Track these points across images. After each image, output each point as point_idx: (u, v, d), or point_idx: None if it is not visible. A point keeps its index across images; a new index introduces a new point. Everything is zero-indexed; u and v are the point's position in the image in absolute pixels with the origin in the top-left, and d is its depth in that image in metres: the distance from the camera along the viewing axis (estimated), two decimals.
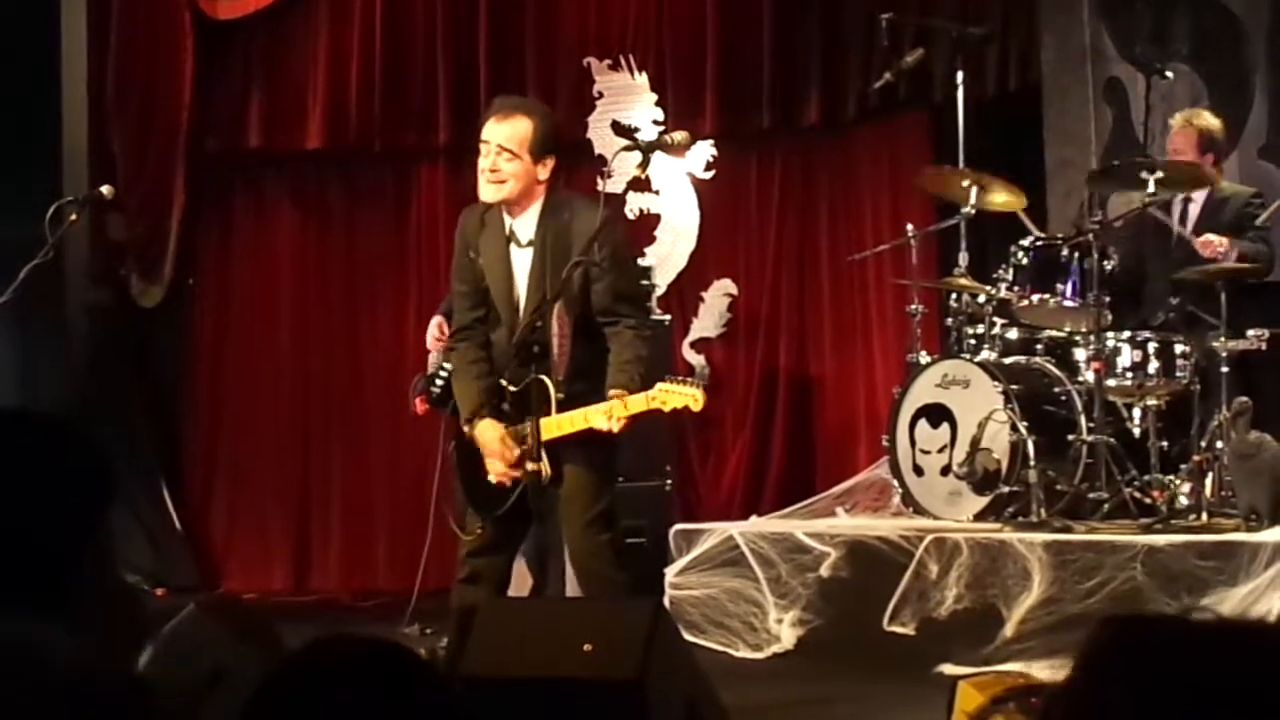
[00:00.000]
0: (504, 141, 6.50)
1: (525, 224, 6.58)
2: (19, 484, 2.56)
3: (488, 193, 6.56)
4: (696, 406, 6.40)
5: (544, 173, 6.55)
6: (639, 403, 6.33)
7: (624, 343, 6.48)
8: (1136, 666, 1.61)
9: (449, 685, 2.15)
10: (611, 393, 6.35)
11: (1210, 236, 8.35)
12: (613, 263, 6.54)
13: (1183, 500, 8.01)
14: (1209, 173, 8.50)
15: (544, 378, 6.42)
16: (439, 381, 8.57)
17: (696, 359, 10.93)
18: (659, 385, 6.35)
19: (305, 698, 2.05)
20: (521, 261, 6.59)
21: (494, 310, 6.67)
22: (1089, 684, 1.64)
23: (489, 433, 6.53)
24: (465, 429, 6.63)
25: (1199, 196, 8.71)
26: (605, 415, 6.32)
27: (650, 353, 6.67)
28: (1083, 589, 7.40)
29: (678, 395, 6.32)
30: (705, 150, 10.80)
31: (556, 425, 6.41)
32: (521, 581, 8.39)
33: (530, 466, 6.43)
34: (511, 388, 6.55)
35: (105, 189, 8.49)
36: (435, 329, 8.87)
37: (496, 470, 6.52)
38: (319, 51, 11.28)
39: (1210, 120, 8.76)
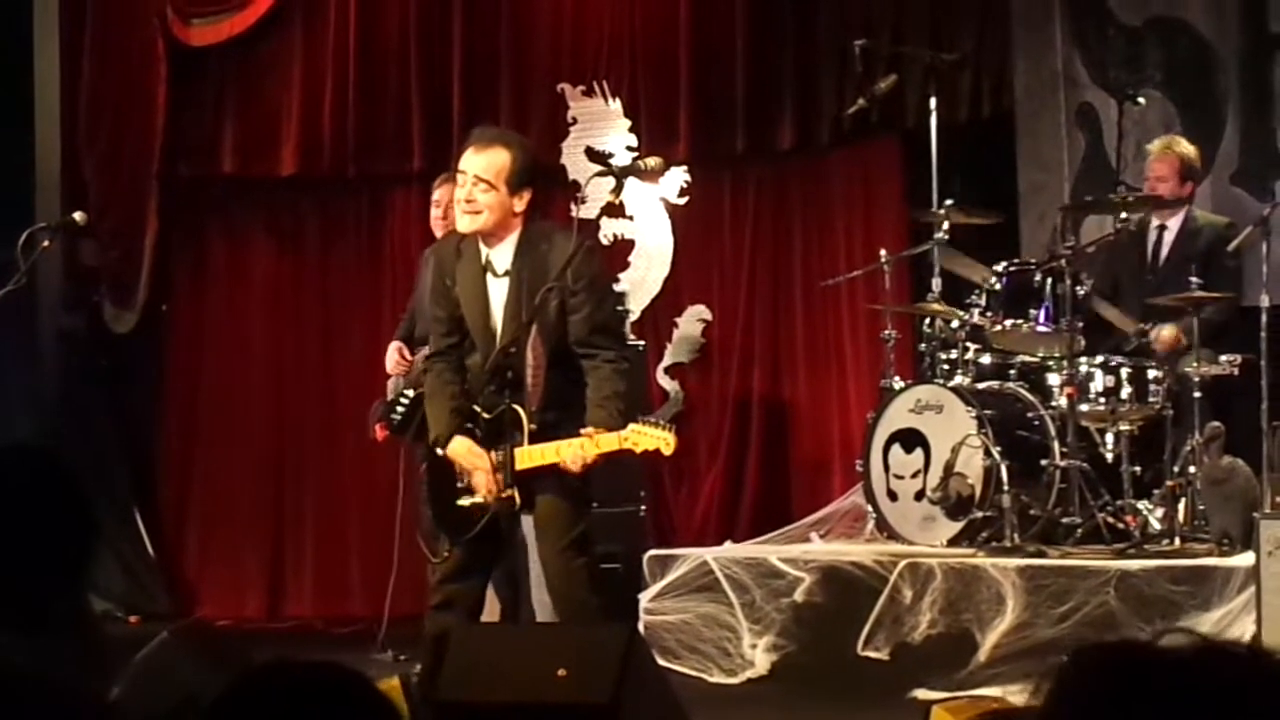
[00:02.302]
0: (480, 172, 6.49)
1: (502, 254, 6.58)
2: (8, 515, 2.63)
3: (463, 223, 6.57)
4: (668, 450, 6.39)
5: (520, 205, 6.54)
6: (611, 442, 6.33)
7: (602, 377, 6.47)
8: (1108, 696, 1.61)
9: (400, 711, 2.15)
10: (586, 429, 6.34)
11: (1166, 335, 8.39)
12: (590, 293, 6.54)
13: (1156, 525, 8.04)
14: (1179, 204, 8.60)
15: (517, 407, 6.42)
16: (399, 408, 8.57)
17: (670, 385, 10.93)
18: (631, 426, 6.34)
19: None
20: (498, 291, 6.59)
21: (470, 338, 6.67)
22: (1061, 715, 1.65)
23: (460, 447, 6.54)
24: (437, 450, 6.63)
25: (1173, 224, 8.76)
26: (577, 451, 6.33)
27: (628, 387, 6.66)
28: (1056, 614, 7.42)
29: (649, 438, 6.32)
30: (679, 176, 10.81)
31: (528, 456, 6.42)
32: (490, 608, 8.39)
33: (504, 494, 6.44)
34: (485, 414, 6.55)
35: (78, 215, 8.48)
36: (395, 353, 8.86)
37: (479, 483, 6.51)
38: (293, 78, 11.27)
39: (1189, 147, 8.81)
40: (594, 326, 6.53)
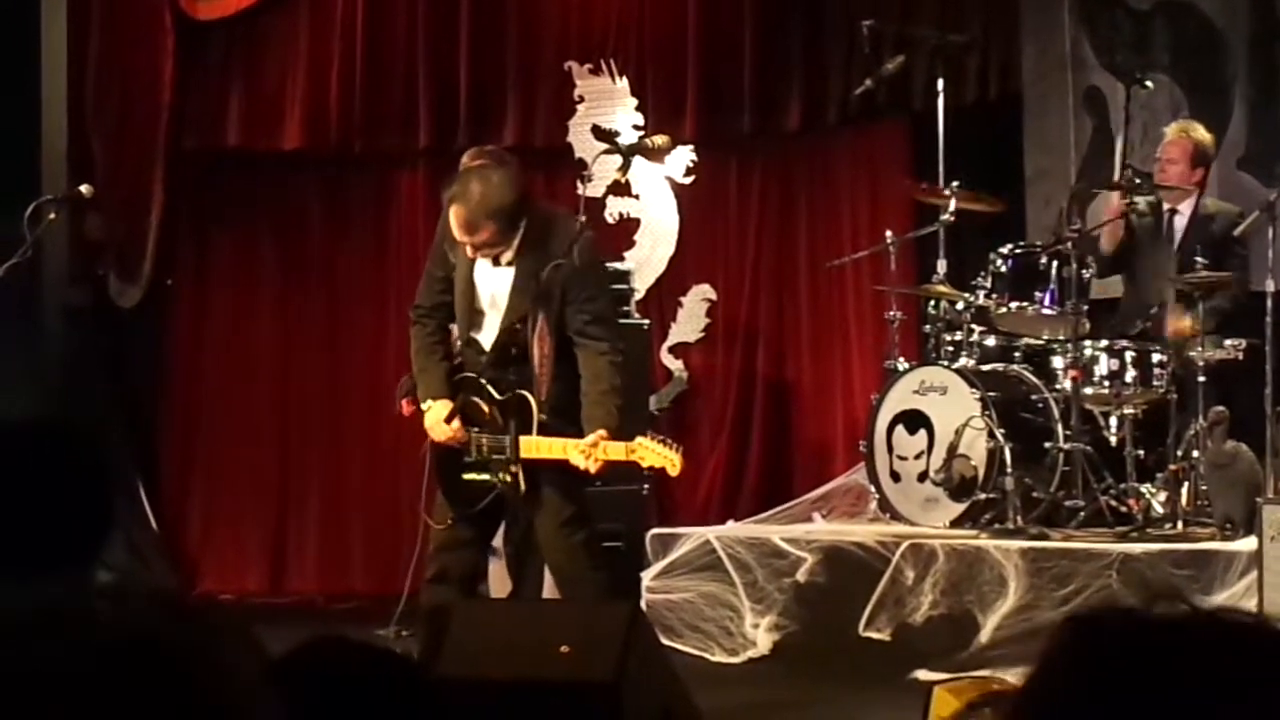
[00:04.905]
0: (482, 244, 6.57)
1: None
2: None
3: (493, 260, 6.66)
4: (673, 472, 6.52)
5: (522, 225, 6.63)
6: (618, 451, 6.43)
7: (597, 371, 6.53)
8: (1094, 665, 1.61)
9: (435, 689, 2.15)
10: (593, 433, 6.40)
11: (1182, 323, 8.40)
12: (587, 282, 6.61)
13: (1158, 509, 8.04)
14: (1187, 189, 8.59)
15: (527, 395, 6.48)
16: None
17: (675, 364, 10.93)
18: (639, 440, 6.44)
19: (297, 700, 2.04)
20: (490, 278, 6.65)
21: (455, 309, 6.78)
22: (1047, 686, 1.65)
23: (439, 412, 6.61)
24: (422, 406, 6.71)
25: (1185, 209, 8.74)
26: (584, 455, 6.39)
27: (624, 381, 6.69)
28: (1058, 596, 7.43)
29: (656, 455, 6.40)
30: (685, 155, 10.80)
31: (535, 447, 6.49)
32: (501, 585, 8.39)
33: (505, 476, 6.51)
34: (496, 394, 6.59)
35: (84, 188, 8.49)
36: None
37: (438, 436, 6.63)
38: (299, 53, 11.25)
39: (1204, 133, 8.79)
40: (591, 316, 6.58)
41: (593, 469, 6.45)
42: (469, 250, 6.62)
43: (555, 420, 6.52)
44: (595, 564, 6.67)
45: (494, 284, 6.67)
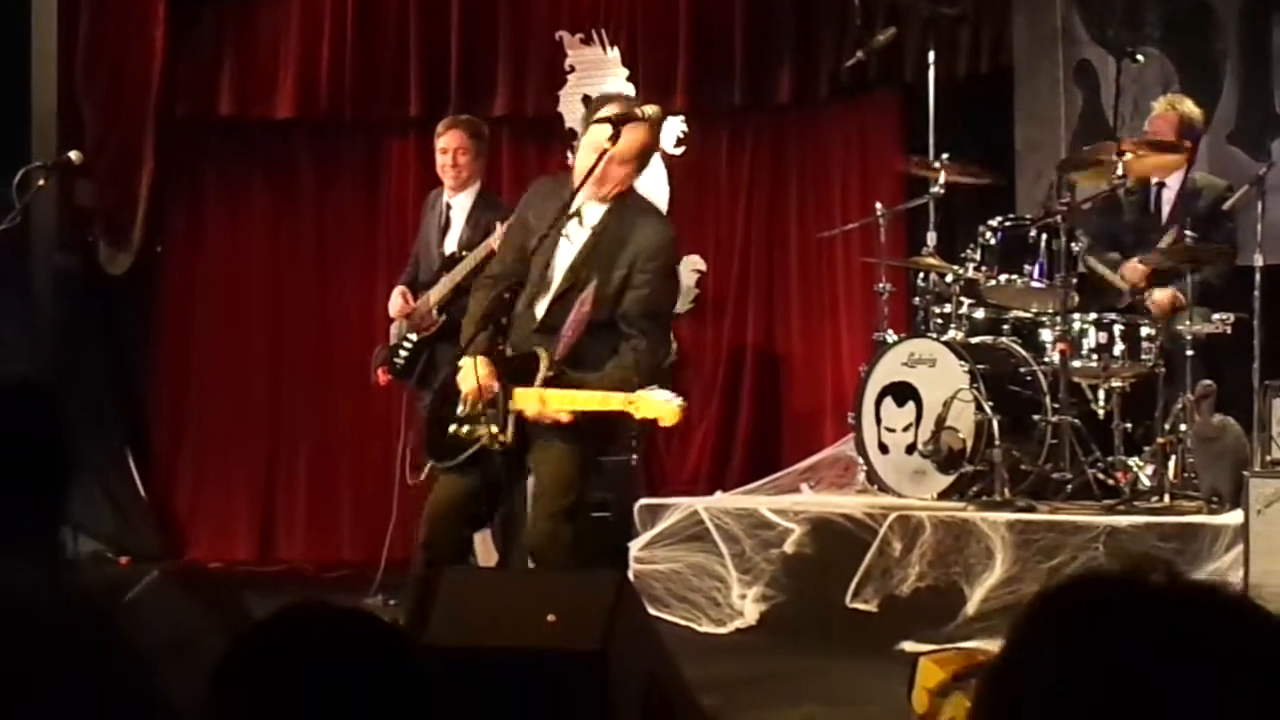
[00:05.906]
0: (626, 153, 6.49)
1: (595, 210, 6.56)
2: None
3: (600, 191, 6.56)
4: (667, 422, 6.33)
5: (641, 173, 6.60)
6: (616, 401, 6.30)
7: (630, 361, 6.43)
8: (1067, 630, 1.62)
9: (420, 656, 2.14)
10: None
11: (1160, 299, 8.40)
12: (656, 277, 6.53)
13: (1145, 482, 8.06)
14: (1177, 158, 8.57)
15: (538, 351, 6.42)
16: (402, 353, 8.58)
17: None
18: (640, 391, 6.29)
19: (276, 664, 2.04)
20: (575, 240, 6.56)
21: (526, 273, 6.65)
22: (1018, 652, 1.65)
23: (482, 369, 6.46)
24: (468, 354, 6.53)
25: (1173, 183, 8.74)
26: (569, 402, 6.33)
27: (646, 380, 6.52)
28: (1045, 568, 7.45)
29: (651, 405, 6.25)
30: (676, 126, 10.80)
31: (526, 398, 6.39)
32: (487, 555, 8.41)
33: (491, 428, 6.39)
34: (509, 352, 6.48)
35: (74, 154, 8.48)
36: (399, 298, 8.87)
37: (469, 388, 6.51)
38: (291, 19, 11.24)
39: (1193, 107, 8.80)
40: (645, 310, 6.49)
41: (564, 419, 6.36)
42: (585, 161, 6.50)
43: (561, 378, 6.45)
44: (571, 551, 6.59)
45: (566, 247, 6.60)
